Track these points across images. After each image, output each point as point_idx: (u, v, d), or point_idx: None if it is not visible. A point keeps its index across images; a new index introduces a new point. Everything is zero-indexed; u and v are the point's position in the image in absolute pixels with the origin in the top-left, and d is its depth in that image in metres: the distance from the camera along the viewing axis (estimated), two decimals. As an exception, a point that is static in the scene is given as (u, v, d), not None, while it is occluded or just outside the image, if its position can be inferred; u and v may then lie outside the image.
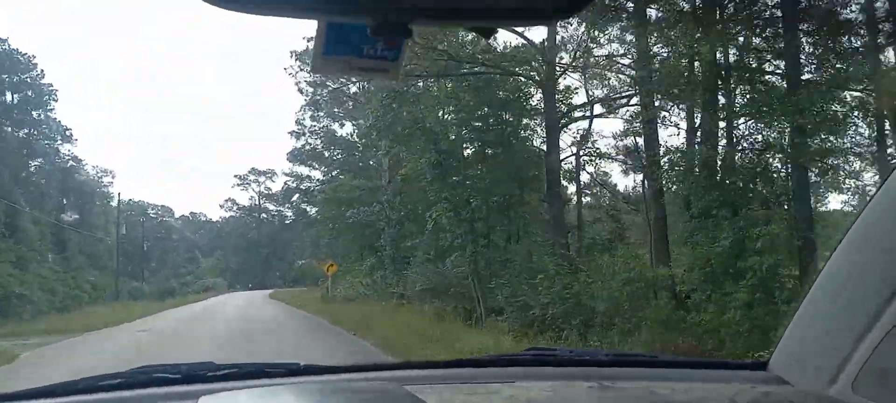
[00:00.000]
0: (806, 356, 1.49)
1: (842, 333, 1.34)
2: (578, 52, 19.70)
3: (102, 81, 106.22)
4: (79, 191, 47.28)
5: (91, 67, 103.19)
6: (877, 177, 12.19)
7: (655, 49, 14.18)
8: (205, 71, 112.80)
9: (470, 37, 17.33)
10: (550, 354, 1.87)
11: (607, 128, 63.13)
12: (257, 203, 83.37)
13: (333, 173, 47.70)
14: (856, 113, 11.76)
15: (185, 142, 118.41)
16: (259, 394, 1.49)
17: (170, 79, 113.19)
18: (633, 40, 15.58)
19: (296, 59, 41.36)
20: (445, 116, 20.52)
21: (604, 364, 1.74)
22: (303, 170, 62.07)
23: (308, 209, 57.90)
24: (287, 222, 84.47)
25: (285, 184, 58.82)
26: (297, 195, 61.90)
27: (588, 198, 26.67)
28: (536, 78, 19.58)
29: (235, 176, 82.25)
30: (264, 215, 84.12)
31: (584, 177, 23.90)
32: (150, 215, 79.08)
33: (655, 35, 13.62)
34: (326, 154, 54.68)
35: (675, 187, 13.72)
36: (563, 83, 20.43)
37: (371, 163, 39.14)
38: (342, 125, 49.67)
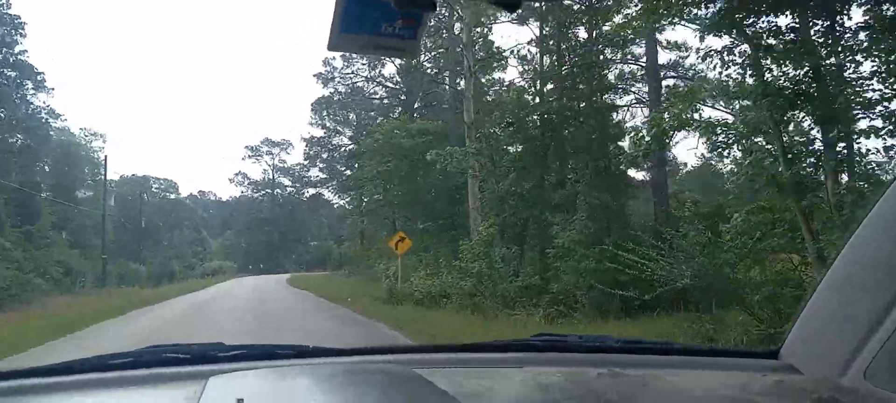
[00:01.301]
0: (818, 344, 1.47)
1: (854, 322, 1.32)
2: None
3: (96, 35, 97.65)
4: (56, 152, 38.61)
5: (85, 19, 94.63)
6: None
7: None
8: (212, 28, 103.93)
9: None
10: (560, 340, 1.81)
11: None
12: (271, 177, 74.81)
13: (378, 120, 38.38)
14: None
15: (192, 106, 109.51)
16: (268, 375, 1.51)
17: (174, 36, 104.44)
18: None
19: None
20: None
21: (614, 351, 1.72)
22: (320, 133, 52.58)
23: (341, 171, 48.14)
24: (304, 197, 75.85)
25: (307, 146, 49.61)
26: (319, 164, 52.77)
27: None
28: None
29: (247, 147, 73.76)
30: (278, 191, 75.49)
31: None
32: (152, 189, 70.54)
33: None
34: (358, 101, 45.24)
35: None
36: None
37: (433, 103, 30.34)
38: (382, 64, 40.60)
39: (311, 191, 74.18)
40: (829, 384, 1.35)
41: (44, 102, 36.87)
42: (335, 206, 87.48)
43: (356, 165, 38.89)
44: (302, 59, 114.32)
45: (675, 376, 1.57)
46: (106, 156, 41.57)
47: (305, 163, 52.93)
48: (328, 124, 51.38)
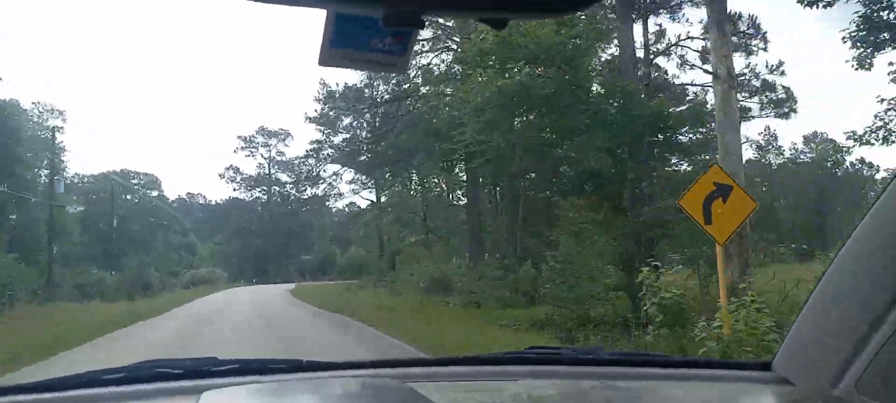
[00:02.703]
0: (810, 356, 1.47)
1: (846, 334, 1.33)
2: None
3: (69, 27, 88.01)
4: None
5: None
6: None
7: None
8: (197, 9, 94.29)
9: None
10: (554, 353, 1.83)
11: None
12: (267, 171, 65.42)
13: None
14: None
15: (177, 98, 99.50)
16: (262, 390, 1.50)
17: (154, 18, 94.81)
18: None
19: None
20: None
21: (608, 364, 1.73)
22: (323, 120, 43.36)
23: (357, 151, 38.91)
24: (305, 196, 66.41)
25: (322, 118, 40.13)
26: (328, 150, 43.51)
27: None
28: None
29: (240, 138, 64.33)
30: (276, 188, 66.09)
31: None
32: (130, 185, 61.09)
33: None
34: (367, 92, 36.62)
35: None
36: None
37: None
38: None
39: (312, 190, 64.99)
40: (821, 395, 1.37)
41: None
42: (339, 209, 78.50)
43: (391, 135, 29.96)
44: (302, 37, 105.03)
45: (667, 388, 1.61)
46: (54, 128, 32.13)
47: (313, 149, 43.56)
48: (340, 105, 42.33)
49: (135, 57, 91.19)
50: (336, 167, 46.79)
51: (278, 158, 65.31)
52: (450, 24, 25.27)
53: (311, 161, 47.38)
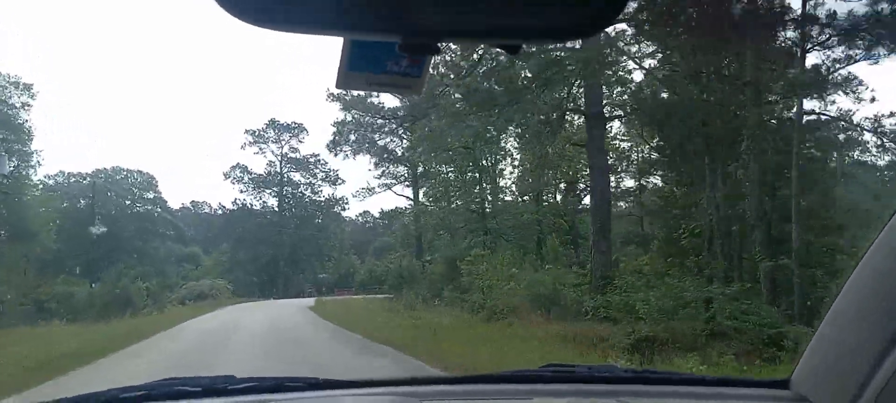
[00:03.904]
0: (828, 374, 1.45)
1: (865, 351, 1.30)
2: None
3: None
4: None
5: None
6: None
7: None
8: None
9: None
10: (568, 370, 1.79)
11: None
12: (279, 170, 57.44)
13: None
14: None
15: (178, 91, 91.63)
16: None
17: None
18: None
19: None
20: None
21: (623, 381, 1.72)
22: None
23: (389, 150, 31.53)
24: (321, 200, 58.58)
25: (343, 105, 32.28)
26: (350, 141, 35.79)
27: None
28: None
29: (248, 131, 56.47)
30: (289, 189, 58.14)
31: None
32: (119, 182, 53.38)
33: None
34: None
35: None
36: None
37: None
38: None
39: (330, 190, 57.12)
40: None
41: None
42: (355, 217, 70.45)
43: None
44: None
45: None
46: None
47: (336, 137, 35.65)
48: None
49: (133, 52, 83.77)
50: (362, 157, 39.13)
51: (292, 155, 57.43)
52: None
53: (330, 154, 39.24)
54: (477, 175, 28.74)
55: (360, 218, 74.68)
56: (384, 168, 38.71)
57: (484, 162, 28.93)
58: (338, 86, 0.84)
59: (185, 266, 57.64)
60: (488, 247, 25.36)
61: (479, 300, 19.66)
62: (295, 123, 56.73)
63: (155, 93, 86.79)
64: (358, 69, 0.81)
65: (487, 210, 28.51)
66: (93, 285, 35.10)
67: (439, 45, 0.73)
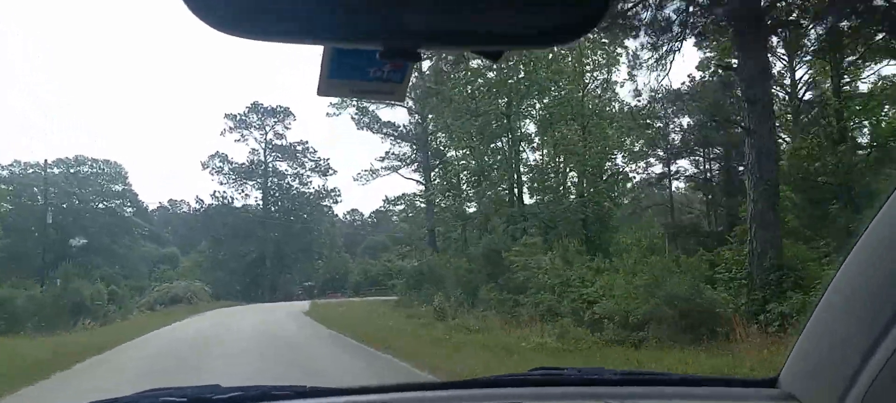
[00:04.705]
0: (816, 372, 1.46)
1: (852, 348, 1.31)
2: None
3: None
4: None
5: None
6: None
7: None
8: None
9: None
10: (557, 373, 1.78)
11: None
12: (263, 158, 51.83)
13: None
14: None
15: (153, 81, 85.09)
16: None
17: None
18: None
19: None
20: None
21: (612, 383, 1.70)
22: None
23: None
24: (310, 192, 53.15)
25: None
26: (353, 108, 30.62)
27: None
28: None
29: (228, 116, 50.77)
30: (274, 179, 52.55)
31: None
32: (81, 174, 47.57)
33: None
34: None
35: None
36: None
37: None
38: None
39: (320, 181, 51.70)
40: None
41: None
42: (339, 217, 65.07)
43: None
44: None
45: None
46: None
47: (336, 110, 30.26)
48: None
49: (98, 28, 77.39)
50: (361, 139, 33.73)
51: (277, 142, 51.82)
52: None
53: (325, 136, 33.91)
54: (510, 147, 23.52)
55: (347, 216, 69.30)
56: (390, 146, 33.38)
57: (519, 131, 23.76)
58: (319, 94, 0.82)
59: (162, 267, 51.92)
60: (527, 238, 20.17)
61: (548, 302, 14.48)
62: (280, 107, 51.25)
63: (123, 75, 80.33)
64: (340, 76, 0.80)
65: (524, 191, 23.34)
66: (43, 289, 29.43)
67: (420, 51, 0.71)
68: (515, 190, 23.26)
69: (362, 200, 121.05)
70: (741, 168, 36.46)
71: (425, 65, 23.35)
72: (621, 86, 31.17)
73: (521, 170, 23.82)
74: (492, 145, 24.09)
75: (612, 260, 15.30)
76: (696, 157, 39.38)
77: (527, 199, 24.26)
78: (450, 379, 2.81)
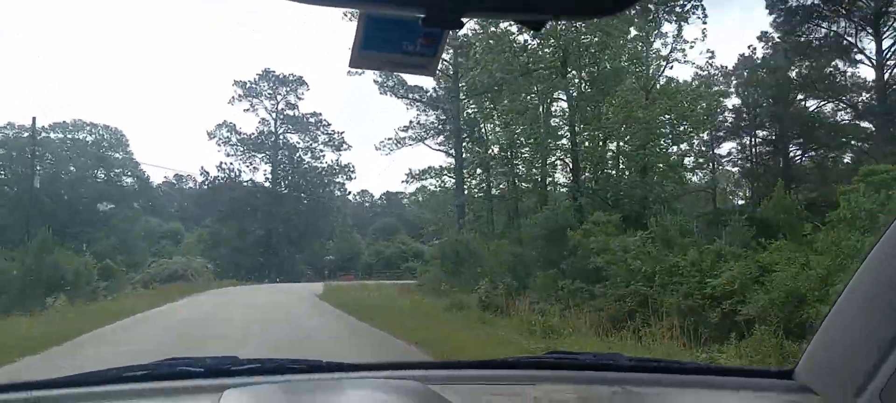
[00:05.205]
0: (833, 365, 1.45)
1: (870, 342, 1.31)
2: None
3: None
4: None
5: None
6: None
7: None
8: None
9: None
10: (572, 357, 1.80)
11: None
12: (274, 129, 48.50)
13: None
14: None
15: (160, 48, 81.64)
16: (282, 389, 1.50)
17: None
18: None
19: None
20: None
21: (626, 369, 1.71)
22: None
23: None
24: (322, 166, 49.86)
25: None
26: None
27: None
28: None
29: (237, 83, 47.37)
30: (285, 152, 49.23)
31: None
32: (78, 140, 44.38)
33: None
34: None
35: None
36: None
37: None
38: None
39: (333, 155, 48.39)
40: None
41: None
42: (348, 198, 61.82)
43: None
44: None
45: (687, 395, 1.60)
46: None
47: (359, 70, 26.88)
48: None
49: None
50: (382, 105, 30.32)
51: (289, 113, 48.43)
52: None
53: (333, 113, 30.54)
54: (571, 106, 19.99)
55: (357, 197, 66.08)
56: (417, 114, 29.97)
57: (579, 90, 20.24)
58: (351, 66, 0.82)
59: (164, 243, 48.85)
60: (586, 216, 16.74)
61: (642, 294, 11.07)
62: (293, 75, 47.86)
63: (126, 34, 76.91)
64: (373, 48, 0.80)
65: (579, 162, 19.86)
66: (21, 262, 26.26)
67: (462, 19, 0.71)
68: (569, 161, 19.77)
69: (373, 182, 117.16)
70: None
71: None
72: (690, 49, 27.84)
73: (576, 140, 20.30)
74: (545, 106, 20.68)
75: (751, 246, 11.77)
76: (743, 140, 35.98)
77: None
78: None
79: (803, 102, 30.80)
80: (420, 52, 0.81)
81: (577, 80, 20.75)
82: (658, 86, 22.50)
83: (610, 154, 20.43)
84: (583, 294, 13.34)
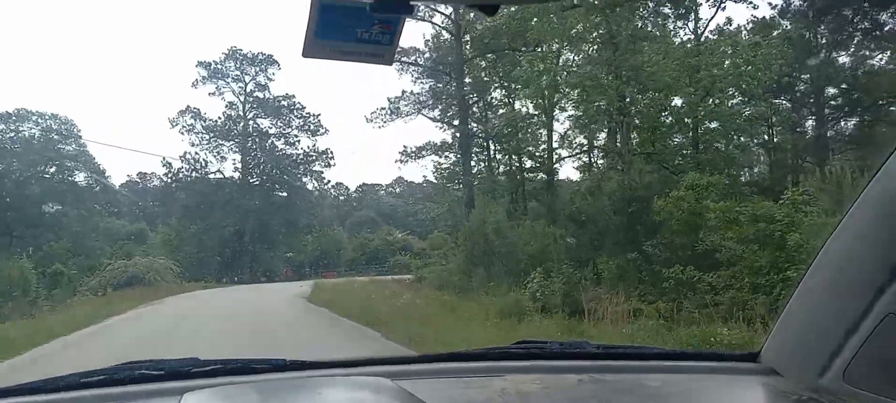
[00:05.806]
0: (797, 347, 1.47)
1: (833, 324, 1.32)
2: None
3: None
4: None
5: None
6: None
7: None
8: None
9: None
10: (540, 347, 1.76)
11: None
12: (242, 114, 43.87)
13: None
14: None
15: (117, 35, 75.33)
16: (245, 390, 1.44)
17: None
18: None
19: None
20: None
21: (594, 357, 1.69)
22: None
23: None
24: (297, 153, 45.46)
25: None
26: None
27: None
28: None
29: (200, 64, 42.60)
30: (256, 139, 44.66)
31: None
32: (22, 132, 39.37)
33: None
34: None
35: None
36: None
37: None
38: None
39: (309, 141, 44.21)
40: (808, 386, 1.36)
41: None
42: (327, 184, 57.48)
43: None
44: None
45: (654, 380, 1.56)
46: None
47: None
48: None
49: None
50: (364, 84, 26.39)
51: (258, 95, 43.84)
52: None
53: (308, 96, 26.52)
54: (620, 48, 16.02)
55: (332, 190, 61.66)
56: (412, 81, 25.86)
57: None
58: (304, 55, 0.80)
59: (124, 244, 44.05)
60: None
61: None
62: (262, 54, 43.20)
63: (75, 12, 70.92)
64: (326, 36, 0.78)
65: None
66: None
67: (413, 4, 0.70)
68: (624, 123, 15.83)
69: (349, 175, 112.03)
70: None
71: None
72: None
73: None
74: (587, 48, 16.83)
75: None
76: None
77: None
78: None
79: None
80: (376, 40, 0.78)
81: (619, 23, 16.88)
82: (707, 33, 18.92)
83: (664, 112, 16.66)
84: (694, 285, 9.49)
